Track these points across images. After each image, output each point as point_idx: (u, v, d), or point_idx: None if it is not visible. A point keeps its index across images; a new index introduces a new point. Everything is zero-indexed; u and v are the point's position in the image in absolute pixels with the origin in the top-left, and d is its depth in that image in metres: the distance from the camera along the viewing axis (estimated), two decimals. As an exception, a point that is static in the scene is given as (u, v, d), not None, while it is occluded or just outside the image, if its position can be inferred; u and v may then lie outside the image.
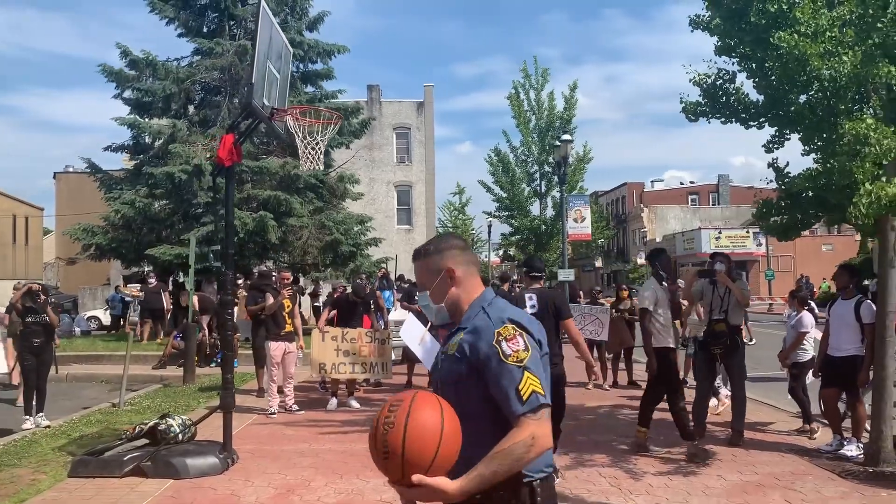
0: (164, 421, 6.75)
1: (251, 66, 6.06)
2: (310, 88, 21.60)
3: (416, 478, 1.94)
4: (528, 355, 2.09)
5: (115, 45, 21.42)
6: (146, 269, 21.54)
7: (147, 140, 20.54)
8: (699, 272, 8.30)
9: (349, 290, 11.28)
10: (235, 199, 18.28)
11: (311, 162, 6.63)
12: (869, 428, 6.90)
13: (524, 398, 2.04)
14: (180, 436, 6.69)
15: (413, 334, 9.64)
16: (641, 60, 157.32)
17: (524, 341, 2.11)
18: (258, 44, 6.22)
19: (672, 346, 7.24)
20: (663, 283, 7.30)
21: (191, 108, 21.08)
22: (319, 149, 6.57)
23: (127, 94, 20.51)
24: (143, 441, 6.67)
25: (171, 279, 20.29)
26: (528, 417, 2.04)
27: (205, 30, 21.28)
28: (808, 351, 8.37)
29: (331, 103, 20.79)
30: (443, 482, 1.96)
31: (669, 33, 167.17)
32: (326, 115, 6.90)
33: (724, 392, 9.24)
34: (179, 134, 18.89)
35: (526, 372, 2.07)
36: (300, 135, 6.63)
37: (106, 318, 22.76)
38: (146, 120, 20.78)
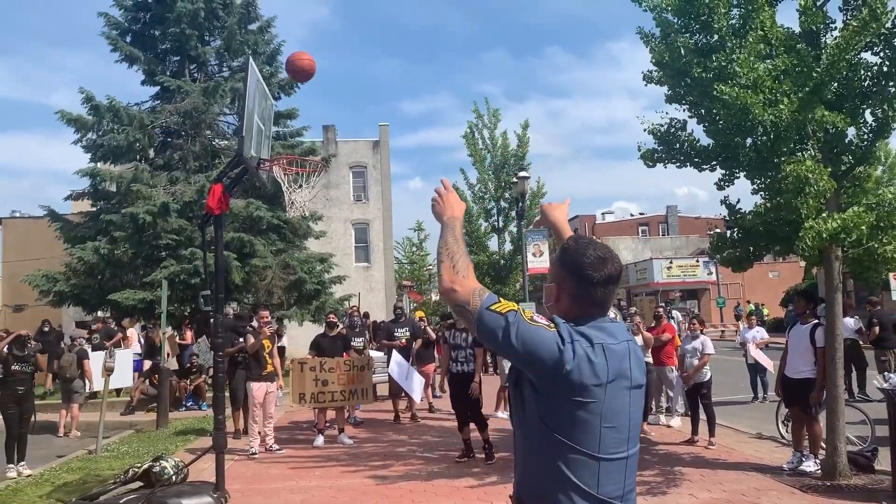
0: (157, 463, 6.89)
1: (241, 120, 6.41)
2: (275, 127, 21.88)
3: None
4: (511, 308, 2.01)
5: (78, 89, 20.97)
6: (102, 314, 21.33)
7: (108, 187, 20.43)
8: None
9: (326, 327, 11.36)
10: (198, 241, 18.54)
11: (298, 209, 6.99)
12: (825, 445, 7.45)
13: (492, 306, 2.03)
14: (174, 477, 6.84)
15: (400, 370, 9.96)
16: (582, 95, 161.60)
17: (517, 313, 1.99)
18: (247, 98, 6.56)
19: None
20: None
21: (151, 152, 21.15)
22: (306, 196, 6.94)
23: (86, 140, 20.46)
24: (138, 484, 6.80)
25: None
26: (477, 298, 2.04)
27: (168, 73, 21.44)
28: (707, 372, 9.29)
29: (294, 142, 21.18)
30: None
31: (608, 69, 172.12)
32: (312, 164, 7.28)
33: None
34: (142, 177, 18.95)
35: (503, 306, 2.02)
36: (286, 183, 6.98)
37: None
38: (107, 166, 20.71)
